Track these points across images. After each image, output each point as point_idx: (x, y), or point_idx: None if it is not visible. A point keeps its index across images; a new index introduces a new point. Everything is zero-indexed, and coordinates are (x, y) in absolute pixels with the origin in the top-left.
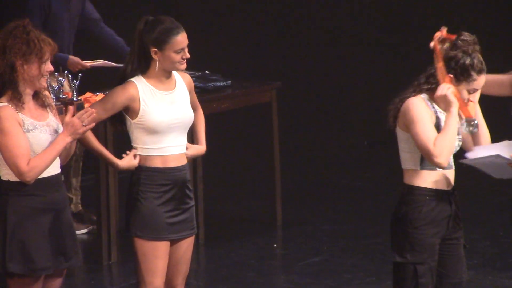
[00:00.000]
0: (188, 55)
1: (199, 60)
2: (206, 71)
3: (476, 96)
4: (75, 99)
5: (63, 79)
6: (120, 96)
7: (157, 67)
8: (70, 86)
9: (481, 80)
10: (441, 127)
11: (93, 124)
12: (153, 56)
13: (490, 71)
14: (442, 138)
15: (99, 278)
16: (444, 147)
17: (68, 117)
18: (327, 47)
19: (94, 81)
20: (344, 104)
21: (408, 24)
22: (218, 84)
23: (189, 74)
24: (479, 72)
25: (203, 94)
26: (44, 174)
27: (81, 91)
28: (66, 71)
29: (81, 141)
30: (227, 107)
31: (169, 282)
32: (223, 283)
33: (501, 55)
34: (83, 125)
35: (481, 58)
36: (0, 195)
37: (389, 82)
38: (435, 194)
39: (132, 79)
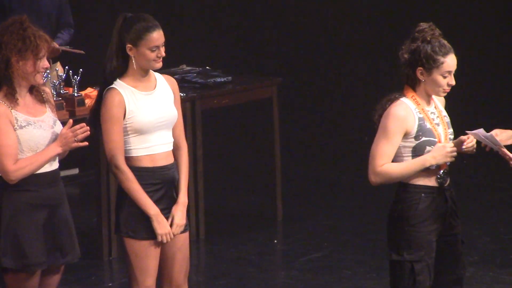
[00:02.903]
0: (163, 54)
1: (200, 56)
2: (207, 67)
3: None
4: (75, 94)
5: (64, 74)
6: (116, 109)
7: (133, 64)
8: (71, 81)
9: (450, 61)
10: (425, 127)
11: (86, 143)
12: (128, 52)
13: (491, 70)
14: (394, 169)
15: (100, 274)
16: (386, 174)
17: (64, 129)
18: (328, 43)
19: (95, 77)
20: (345, 100)
21: (410, 22)
22: (218, 80)
23: (190, 70)
24: (445, 54)
25: (203, 90)
26: (41, 170)
27: (82, 86)
28: (67, 67)
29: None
30: (227, 103)
31: (172, 282)
32: (224, 278)
33: (500, 54)
34: (76, 140)
35: (442, 41)
36: None
37: (390, 79)
38: (430, 191)
39: (112, 85)
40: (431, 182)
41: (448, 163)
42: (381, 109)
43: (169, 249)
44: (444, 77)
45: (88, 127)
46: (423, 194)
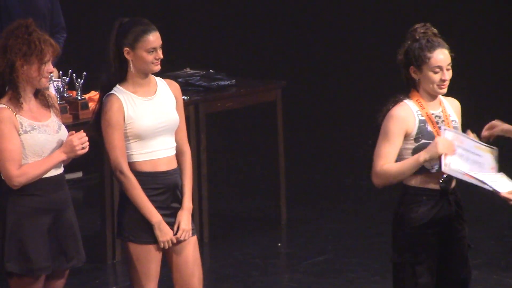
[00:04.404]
0: (161, 56)
1: (203, 59)
2: (211, 70)
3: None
4: (79, 98)
5: (68, 78)
6: (116, 116)
7: (131, 68)
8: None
9: (438, 56)
10: (426, 130)
11: (87, 149)
12: (126, 56)
13: (492, 70)
14: (391, 167)
15: (104, 277)
16: (385, 174)
17: (70, 136)
18: (332, 46)
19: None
20: (349, 103)
21: (415, 23)
22: (222, 83)
23: (194, 73)
24: (431, 49)
25: (207, 93)
26: (46, 174)
27: (86, 89)
28: (70, 70)
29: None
30: (231, 106)
31: (186, 287)
32: (227, 282)
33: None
34: (83, 147)
35: (431, 38)
36: (1, 194)
37: (395, 82)
38: (433, 194)
39: (112, 92)
40: (433, 185)
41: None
42: (386, 110)
43: (179, 255)
44: (435, 73)
45: (86, 137)
46: (424, 197)
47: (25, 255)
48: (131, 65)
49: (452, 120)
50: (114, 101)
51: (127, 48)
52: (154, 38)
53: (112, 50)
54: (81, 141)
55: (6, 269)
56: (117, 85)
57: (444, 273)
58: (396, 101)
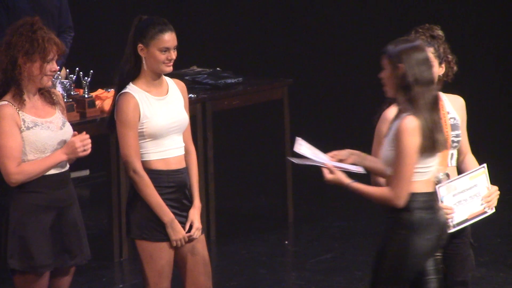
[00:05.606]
0: (173, 56)
1: (210, 57)
2: (218, 68)
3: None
4: (86, 96)
5: (75, 76)
6: (132, 114)
7: (144, 66)
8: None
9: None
10: None
11: (89, 151)
12: (140, 53)
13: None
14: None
15: (111, 275)
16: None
17: (72, 137)
18: (339, 44)
19: (106, 78)
20: (355, 101)
21: (420, 24)
22: (229, 81)
23: (201, 71)
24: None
25: (214, 91)
26: (50, 171)
27: (93, 87)
28: (77, 68)
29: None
30: (238, 104)
31: (197, 285)
32: (235, 279)
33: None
34: (84, 149)
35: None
36: (4, 191)
37: None
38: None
39: (126, 90)
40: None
41: (449, 165)
42: (381, 112)
43: (189, 253)
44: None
45: (89, 139)
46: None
47: (27, 252)
48: (144, 62)
49: (451, 118)
50: (130, 100)
51: (141, 45)
52: (169, 38)
53: (129, 46)
54: (83, 143)
55: (9, 266)
56: (130, 83)
57: (445, 271)
58: (390, 102)
